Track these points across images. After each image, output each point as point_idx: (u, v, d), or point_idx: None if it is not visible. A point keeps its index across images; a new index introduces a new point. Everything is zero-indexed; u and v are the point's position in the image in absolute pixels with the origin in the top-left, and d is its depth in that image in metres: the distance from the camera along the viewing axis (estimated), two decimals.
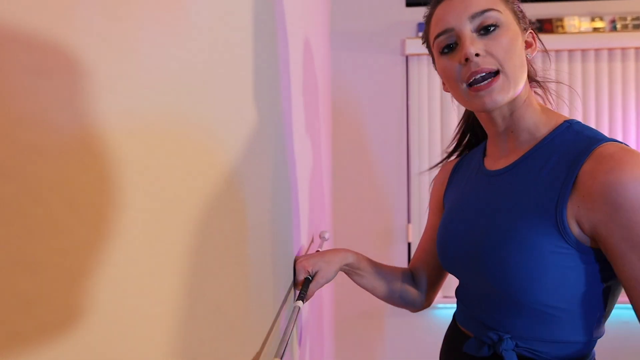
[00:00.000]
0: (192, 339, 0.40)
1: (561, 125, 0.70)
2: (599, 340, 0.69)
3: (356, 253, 0.90)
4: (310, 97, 1.32)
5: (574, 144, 0.66)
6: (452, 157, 0.97)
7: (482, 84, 0.67)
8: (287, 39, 0.90)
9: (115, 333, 0.28)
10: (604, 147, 0.62)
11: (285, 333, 0.64)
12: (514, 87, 0.68)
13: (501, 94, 0.67)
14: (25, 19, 0.21)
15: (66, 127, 0.23)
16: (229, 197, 0.50)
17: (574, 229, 0.63)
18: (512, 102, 0.71)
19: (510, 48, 0.67)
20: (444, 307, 2.51)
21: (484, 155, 0.82)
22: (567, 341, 0.66)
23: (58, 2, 0.23)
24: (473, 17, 0.67)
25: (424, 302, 0.97)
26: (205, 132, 0.43)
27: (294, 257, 0.90)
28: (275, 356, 0.57)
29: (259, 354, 0.63)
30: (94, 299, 0.25)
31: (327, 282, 0.84)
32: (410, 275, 0.98)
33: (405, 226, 2.53)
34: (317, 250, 1.05)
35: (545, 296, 0.65)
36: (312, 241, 1.36)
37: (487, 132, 0.78)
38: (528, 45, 0.73)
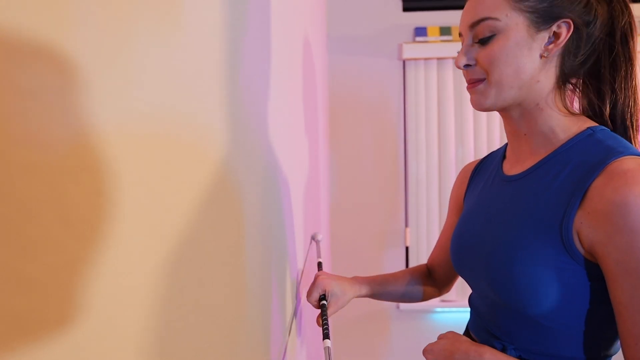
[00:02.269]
0: (188, 346, 0.40)
1: (583, 132, 0.67)
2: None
3: (369, 282, 0.95)
4: (309, 100, 1.32)
5: (591, 154, 0.63)
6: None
7: (470, 85, 0.72)
8: (286, 40, 0.91)
9: (109, 341, 0.28)
10: (620, 162, 0.58)
11: None
12: (499, 93, 0.68)
13: (482, 98, 0.70)
14: (19, 20, 0.21)
15: (59, 132, 0.23)
16: (224, 200, 0.50)
17: (579, 245, 0.61)
18: (520, 106, 0.70)
19: (499, 57, 0.67)
20: (443, 311, 2.50)
21: (504, 157, 0.81)
22: (571, 357, 0.65)
23: (53, 3, 0.22)
24: (472, 26, 0.69)
25: (442, 292, 1.02)
26: (200, 135, 0.43)
27: (288, 258, 0.90)
28: None
29: None
30: (88, 308, 0.25)
31: (339, 309, 0.89)
32: (426, 272, 1.01)
33: (403, 230, 2.53)
34: (319, 262, 1.05)
35: (548, 311, 0.63)
36: (311, 243, 1.36)
37: (506, 133, 0.78)
38: (556, 37, 0.67)
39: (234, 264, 0.52)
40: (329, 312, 0.86)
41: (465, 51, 0.71)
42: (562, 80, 0.69)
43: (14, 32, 0.20)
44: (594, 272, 0.61)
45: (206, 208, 0.43)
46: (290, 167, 0.96)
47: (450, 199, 0.99)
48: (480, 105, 0.71)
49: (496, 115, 2.46)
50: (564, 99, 0.70)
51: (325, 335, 0.79)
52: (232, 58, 0.52)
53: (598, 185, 0.58)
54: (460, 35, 0.74)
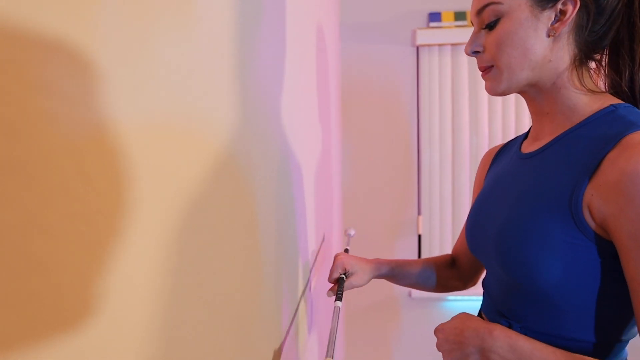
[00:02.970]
0: (203, 338, 0.40)
1: (605, 109, 0.64)
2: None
3: (389, 263, 0.96)
4: (322, 88, 1.32)
5: (610, 128, 0.60)
6: None
7: (482, 73, 0.73)
8: (299, 28, 0.90)
9: (124, 333, 0.28)
10: (637, 134, 0.56)
11: (331, 333, 0.68)
12: (511, 77, 0.69)
13: (495, 83, 0.71)
14: (39, 18, 0.21)
15: (78, 126, 0.24)
16: (238, 192, 0.50)
17: (590, 220, 0.59)
18: (536, 86, 0.69)
19: (505, 40, 0.67)
20: (455, 299, 2.50)
21: (525, 138, 0.80)
22: (578, 339, 0.63)
23: (74, 4, 0.23)
24: (478, 12, 0.70)
25: (467, 285, 1.01)
26: (215, 127, 0.43)
27: (299, 248, 0.91)
28: (327, 356, 0.60)
29: (278, 351, 0.64)
30: (103, 300, 0.26)
31: (357, 287, 0.90)
32: (449, 261, 1.01)
33: (416, 218, 2.52)
34: (346, 249, 1.07)
35: (557, 288, 0.62)
36: (324, 240, 1.37)
37: (530, 112, 0.77)
38: (562, 15, 0.65)
39: (248, 255, 0.52)
40: (352, 284, 0.89)
41: (473, 38, 0.72)
42: (579, 57, 0.67)
43: (37, 32, 0.20)
44: (606, 249, 0.59)
45: (222, 198, 0.44)
46: (303, 157, 0.96)
47: (474, 184, 0.98)
48: (494, 91, 0.71)
49: (511, 104, 2.42)
50: (582, 76, 0.67)
51: (338, 298, 0.82)
52: (246, 48, 0.52)
53: (611, 157, 0.57)
54: (471, 23, 0.75)
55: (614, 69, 0.68)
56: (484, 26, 0.70)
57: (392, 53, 2.49)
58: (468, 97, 2.46)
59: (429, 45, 2.44)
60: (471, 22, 0.74)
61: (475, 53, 0.72)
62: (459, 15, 2.43)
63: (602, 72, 0.70)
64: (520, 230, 0.65)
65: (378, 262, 0.95)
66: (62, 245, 0.22)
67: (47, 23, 0.21)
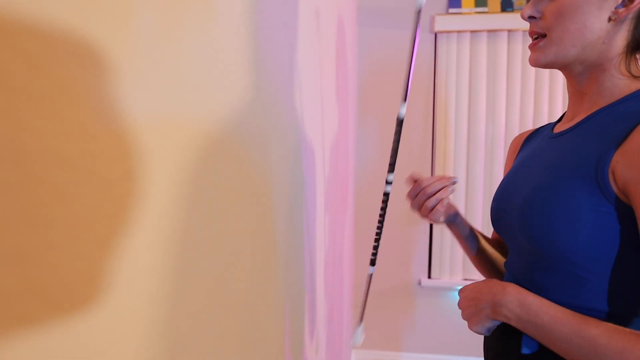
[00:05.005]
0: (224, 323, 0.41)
1: None
2: None
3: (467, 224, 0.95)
4: (341, 75, 1.30)
5: None
6: None
7: (532, 43, 0.72)
8: (317, 14, 0.89)
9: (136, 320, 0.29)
10: None
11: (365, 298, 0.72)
12: (559, 51, 0.68)
13: (541, 55, 0.70)
14: (60, 19, 0.21)
15: (101, 124, 0.24)
16: (253, 187, 0.50)
17: (614, 185, 0.59)
18: (582, 64, 0.69)
19: (564, 13, 0.66)
20: None
21: (559, 121, 0.81)
22: (597, 310, 0.63)
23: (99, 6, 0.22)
24: None
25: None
26: (233, 115, 0.43)
27: (311, 242, 0.91)
28: (359, 322, 0.62)
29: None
30: (113, 297, 0.26)
31: (438, 216, 0.86)
32: (497, 243, 1.00)
33: None
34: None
35: (574, 254, 0.62)
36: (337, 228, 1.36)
37: (568, 92, 0.77)
38: (630, 1, 0.64)
39: (262, 246, 0.53)
40: (439, 209, 0.84)
41: (534, 2, 0.71)
42: (633, 45, 0.66)
43: (63, 32, 0.20)
44: (628, 215, 0.59)
45: (237, 191, 0.44)
46: (319, 144, 0.96)
47: (504, 169, 0.98)
48: (537, 62, 0.71)
49: (530, 95, 2.38)
50: (630, 63, 0.67)
51: (372, 263, 0.85)
52: (264, 39, 0.52)
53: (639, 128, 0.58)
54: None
55: None
56: None
57: (410, 39, 2.45)
58: (486, 86, 2.42)
59: (447, 32, 2.39)
60: None
61: (531, 18, 0.71)
62: (480, 2, 2.37)
63: None
64: (546, 197, 0.66)
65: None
66: (78, 232, 0.22)
67: (61, 21, 0.21)
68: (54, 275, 0.20)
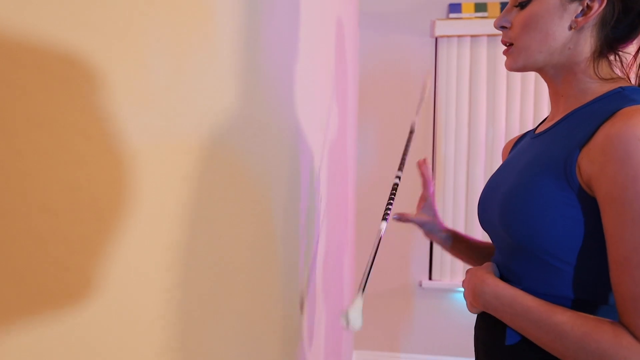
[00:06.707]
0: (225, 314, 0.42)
1: (613, 90, 0.68)
2: None
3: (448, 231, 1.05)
4: (340, 79, 1.32)
5: (610, 104, 0.64)
6: None
7: (504, 49, 0.78)
8: (317, 17, 0.90)
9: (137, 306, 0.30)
10: (632, 107, 0.60)
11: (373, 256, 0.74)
12: (527, 57, 0.73)
13: (512, 61, 0.76)
14: (51, 26, 0.23)
15: (86, 131, 0.25)
16: (251, 188, 0.52)
17: (580, 181, 0.63)
18: (554, 68, 0.73)
19: (529, 23, 0.71)
20: (461, 291, 2.51)
21: (542, 123, 0.85)
22: (571, 298, 0.66)
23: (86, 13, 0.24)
24: None
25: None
26: (228, 125, 0.45)
27: (311, 246, 0.92)
28: (361, 292, 0.66)
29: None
30: (113, 302, 0.28)
31: (416, 222, 1.04)
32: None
33: None
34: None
35: (549, 246, 0.66)
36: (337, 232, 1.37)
37: (549, 95, 0.81)
38: (588, 9, 0.67)
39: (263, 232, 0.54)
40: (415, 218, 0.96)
41: (504, 13, 0.76)
42: (600, 50, 0.70)
43: (40, 38, 0.21)
44: (594, 207, 0.62)
45: (236, 194, 0.45)
46: (318, 148, 0.97)
47: None
48: (510, 67, 0.77)
49: (530, 98, 2.40)
50: (599, 67, 0.71)
51: (384, 218, 0.89)
52: (261, 39, 0.53)
53: (605, 126, 0.61)
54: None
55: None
56: (516, 4, 0.74)
57: (411, 43, 2.47)
58: (486, 90, 2.44)
59: (448, 37, 2.41)
60: None
61: (503, 28, 0.76)
62: (480, 7, 2.39)
63: (635, 62, 0.72)
64: (522, 193, 0.69)
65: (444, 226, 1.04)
66: (74, 230, 0.24)
67: (51, 29, 0.22)
68: (53, 275, 0.21)
